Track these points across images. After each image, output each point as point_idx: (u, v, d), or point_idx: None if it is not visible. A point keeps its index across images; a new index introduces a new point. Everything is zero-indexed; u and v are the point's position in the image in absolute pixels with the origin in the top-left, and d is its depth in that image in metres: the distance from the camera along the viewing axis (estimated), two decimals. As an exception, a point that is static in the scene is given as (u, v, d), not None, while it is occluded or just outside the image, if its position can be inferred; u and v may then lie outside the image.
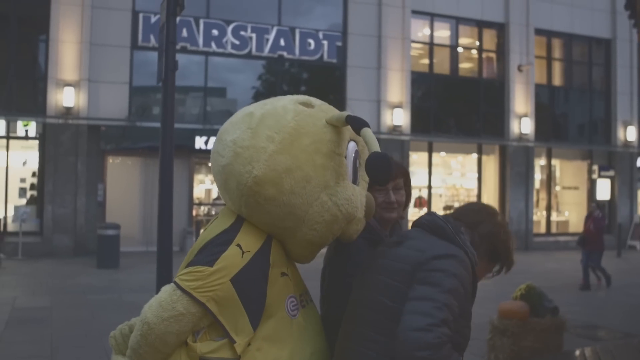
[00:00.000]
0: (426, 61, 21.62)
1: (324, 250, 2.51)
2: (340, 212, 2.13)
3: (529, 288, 7.23)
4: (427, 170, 21.35)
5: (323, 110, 2.21)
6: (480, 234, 2.31)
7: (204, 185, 26.66)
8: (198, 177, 24.79)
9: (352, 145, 2.22)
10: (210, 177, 26.67)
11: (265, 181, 2.05)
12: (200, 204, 22.76)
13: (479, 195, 21.88)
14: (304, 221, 2.12)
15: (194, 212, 20.23)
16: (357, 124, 2.07)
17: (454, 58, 22.00)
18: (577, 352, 7.08)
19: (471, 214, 2.39)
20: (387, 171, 1.99)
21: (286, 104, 2.19)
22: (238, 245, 2.06)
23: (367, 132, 2.05)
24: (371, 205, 2.32)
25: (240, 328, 2.03)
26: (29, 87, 17.58)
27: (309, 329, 2.22)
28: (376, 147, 2.00)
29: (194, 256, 2.09)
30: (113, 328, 2.38)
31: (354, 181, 2.24)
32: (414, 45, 21.05)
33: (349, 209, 2.15)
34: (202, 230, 2.26)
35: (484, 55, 22.58)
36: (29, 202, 17.26)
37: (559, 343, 7.29)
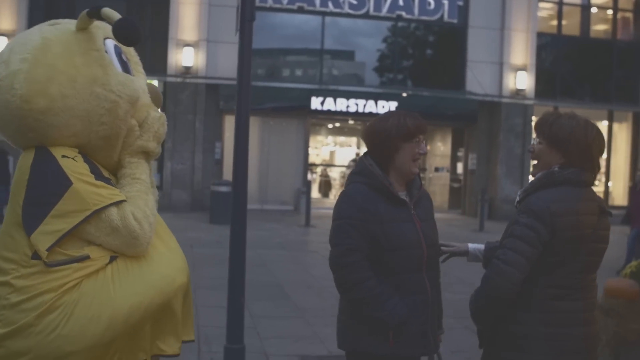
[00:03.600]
0: (554, 22, 20.41)
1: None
2: (118, 97, 2.22)
3: (641, 266, 6.67)
4: (551, 137, 20.26)
5: (70, 22, 2.30)
6: None
7: (322, 146, 26.91)
8: (316, 138, 24.99)
9: (109, 41, 2.31)
10: (328, 138, 26.82)
11: (32, 95, 2.11)
12: (314, 164, 22.85)
13: (607, 166, 20.45)
14: (89, 119, 2.19)
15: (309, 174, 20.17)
16: (95, 11, 2.17)
17: (586, 18, 20.60)
18: (691, 339, 6.49)
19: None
20: (132, 29, 2.13)
21: (32, 30, 2.29)
22: (63, 156, 2.13)
23: (106, 10, 2.15)
24: (156, 92, 2.46)
25: None
26: (153, 47, 18.20)
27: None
28: (118, 17, 2.13)
29: (24, 196, 2.08)
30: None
31: (127, 72, 2.33)
32: (541, 5, 19.92)
33: (125, 91, 2.24)
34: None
35: (619, 15, 20.97)
36: (151, 158, 18.04)
37: (671, 327, 6.73)
